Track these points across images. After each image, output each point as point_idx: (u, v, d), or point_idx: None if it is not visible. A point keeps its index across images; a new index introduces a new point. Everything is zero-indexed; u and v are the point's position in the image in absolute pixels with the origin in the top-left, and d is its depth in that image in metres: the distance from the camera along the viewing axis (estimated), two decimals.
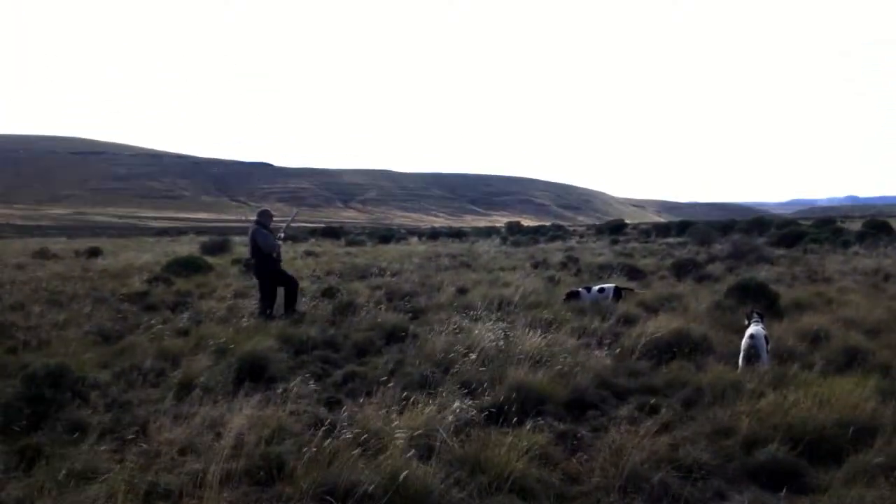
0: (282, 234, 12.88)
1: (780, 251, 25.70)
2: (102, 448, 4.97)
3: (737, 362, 7.85)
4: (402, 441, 4.86)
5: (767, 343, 7.94)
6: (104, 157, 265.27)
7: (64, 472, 4.18)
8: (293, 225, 15.74)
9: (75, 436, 5.45)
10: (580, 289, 13.10)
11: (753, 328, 8.03)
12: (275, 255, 12.18)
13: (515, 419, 5.90)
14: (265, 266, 12.12)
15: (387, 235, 53.48)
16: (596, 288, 12.89)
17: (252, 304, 12.78)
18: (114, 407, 6.44)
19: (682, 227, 49.95)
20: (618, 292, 12.73)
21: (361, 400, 6.54)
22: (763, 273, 17.14)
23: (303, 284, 14.69)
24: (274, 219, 12.85)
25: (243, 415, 5.74)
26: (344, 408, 6.56)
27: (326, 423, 5.80)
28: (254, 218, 12.62)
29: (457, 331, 9.29)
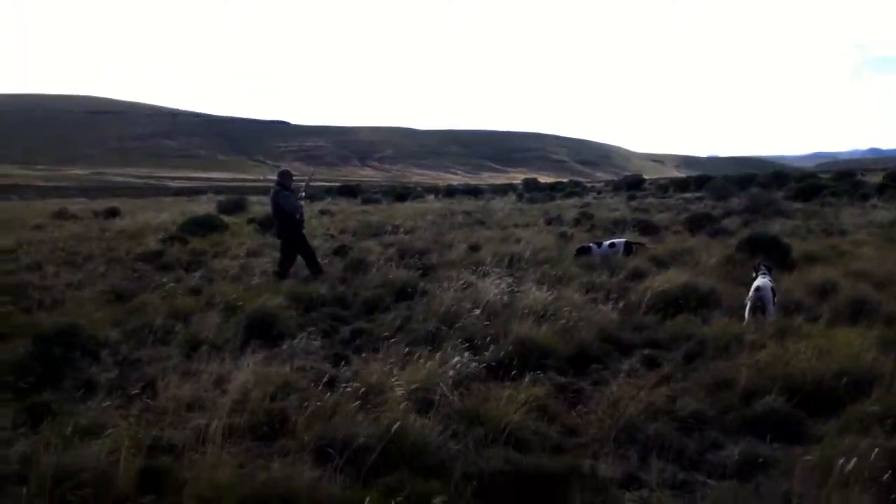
0: (302, 194, 12.73)
1: (798, 205, 25.42)
2: (107, 405, 5.08)
3: (743, 315, 7.84)
4: (401, 395, 4.93)
5: (774, 296, 7.91)
6: (121, 116, 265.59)
7: (70, 427, 4.29)
8: (312, 184, 15.60)
9: (84, 393, 5.60)
10: (591, 244, 13.05)
11: (760, 281, 7.99)
12: (297, 216, 12.08)
13: (517, 373, 5.96)
14: (287, 228, 12.03)
15: (403, 194, 53.45)
16: (607, 243, 12.84)
17: (265, 262, 12.90)
18: (123, 365, 6.58)
19: (701, 182, 49.30)
20: (628, 247, 12.68)
21: (366, 356, 6.62)
22: (778, 227, 16.97)
23: (316, 243, 14.78)
24: (294, 178, 12.70)
25: (249, 371, 5.85)
26: (347, 364, 6.66)
27: (329, 379, 5.93)
28: (274, 178, 12.52)
29: (464, 287, 9.33)
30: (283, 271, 11.69)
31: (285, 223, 12.00)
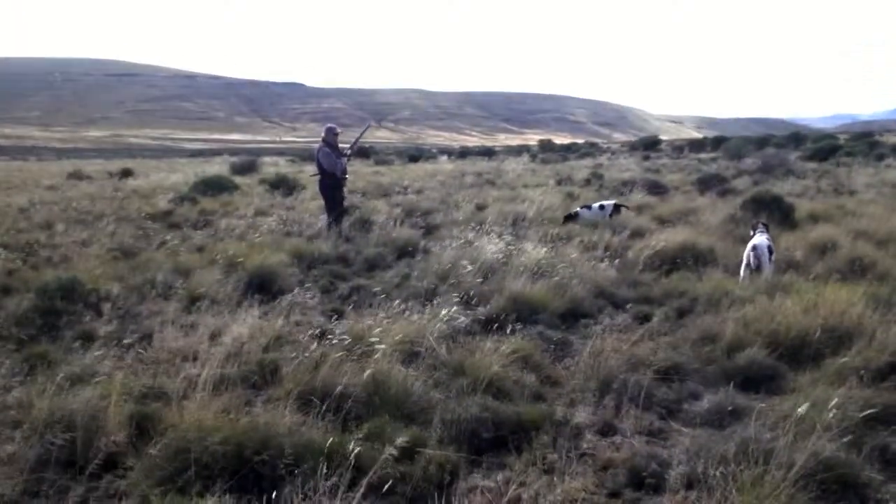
0: (348, 152, 12.50)
1: (812, 165, 25.14)
2: (98, 354, 5.24)
3: (739, 272, 7.86)
4: (386, 347, 5.03)
5: (772, 254, 7.91)
6: (139, 78, 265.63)
7: (62, 374, 4.44)
8: (363, 141, 15.30)
9: (82, 344, 5.76)
10: (579, 209, 12.95)
11: (757, 238, 7.99)
12: (339, 174, 12.02)
13: (509, 329, 6.05)
14: (328, 184, 12.03)
15: (415, 155, 53.30)
16: (596, 205, 12.79)
17: (271, 221, 13.01)
18: (124, 318, 6.73)
19: (717, 143, 48.83)
20: (617, 209, 12.62)
21: (360, 311, 6.74)
22: (788, 187, 16.85)
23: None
24: (339, 135, 12.42)
25: (246, 324, 6.00)
26: (342, 318, 6.78)
27: (322, 332, 6.06)
28: (322, 135, 12.32)
29: (465, 245, 9.40)
30: (332, 225, 11.73)
31: (325, 181, 11.99)
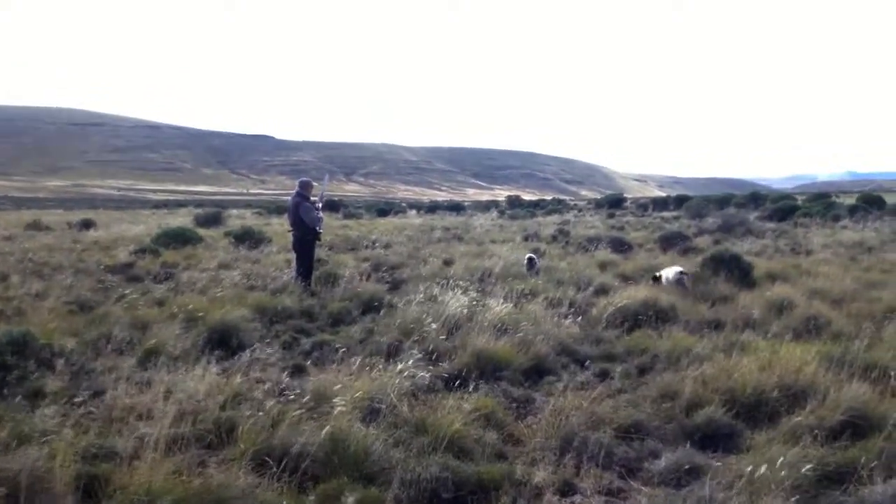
0: (319, 206, 12.38)
1: (771, 225, 25.77)
2: (47, 411, 5.08)
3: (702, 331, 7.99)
4: (347, 404, 4.97)
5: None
6: (103, 128, 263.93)
7: (6, 432, 4.29)
8: (327, 193, 15.22)
9: (32, 401, 5.58)
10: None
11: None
12: (318, 228, 12.00)
13: (472, 385, 6.03)
14: (306, 240, 11.96)
15: (385, 209, 53.63)
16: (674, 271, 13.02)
17: (234, 275, 12.88)
18: (77, 374, 6.56)
19: (680, 202, 49.90)
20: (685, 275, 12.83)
21: (322, 367, 6.67)
22: (748, 245, 17.24)
23: (289, 256, 14.76)
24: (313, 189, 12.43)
25: (203, 381, 5.88)
26: (304, 375, 6.70)
27: (282, 389, 5.97)
28: (296, 189, 12.30)
29: (430, 300, 9.40)
30: (308, 284, 11.62)
31: (305, 236, 11.92)
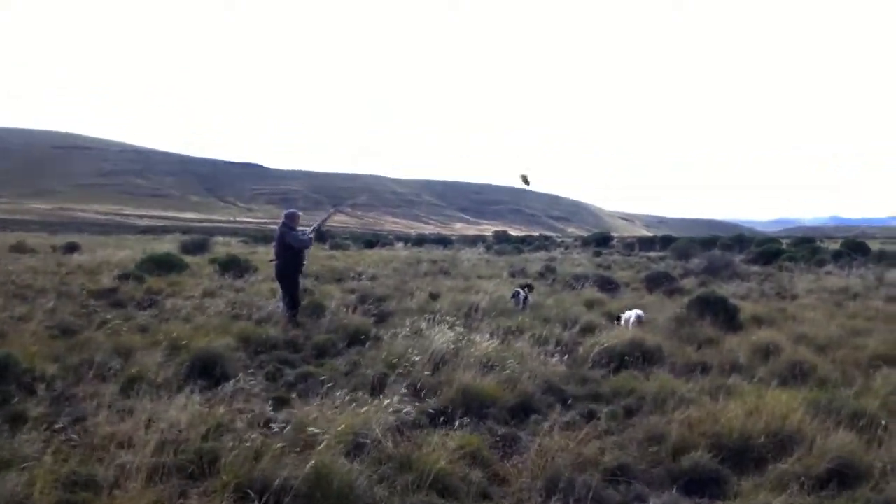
0: (311, 233, 12.41)
1: (756, 268, 25.98)
2: (27, 437, 4.98)
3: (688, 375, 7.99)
4: (331, 438, 4.91)
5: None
6: (90, 152, 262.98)
7: None
8: (329, 224, 15.25)
9: (11, 426, 5.48)
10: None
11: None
12: (305, 251, 12.00)
13: (458, 422, 5.99)
14: (289, 268, 11.90)
15: (371, 240, 53.55)
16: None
17: (219, 303, 12.79)
18: (59, 400, 6.46)
19: (666, 242, 50.29)
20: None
21: (306, 400, 6.60)
22: (733, 288, 17.34)
23: (274, 285, 14.67)
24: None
25: (186, 410, 5.79)
26: (287, 407, 6.62)
27: (265, 421, 5.89)
28: (282, 220, 12.25)
29: (416, 334, 9.36)
30: (294, 315, 11.52)
31: (286, 263, 11.86)
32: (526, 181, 12.34)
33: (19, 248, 28.13)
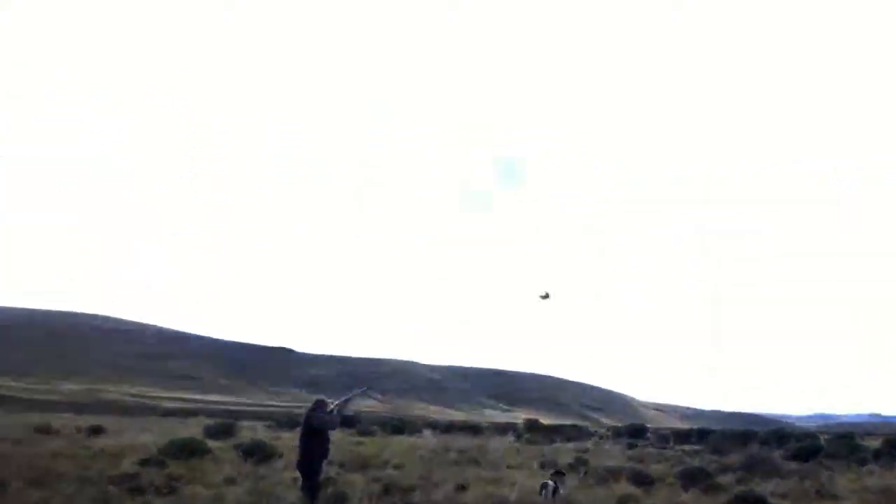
0: (335, 411, 12.30)
1: (795, 465, 24.82)
2: None
3: None
4: None
5: None
6: (128, 335, 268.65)
7: None
8: (356, 400, 15.19)
9: None
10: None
11: None
12: (328, 433, 11.89)
13: None
14: (314, 454, 11.72)
15: (399, 426, 52.54)
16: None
17: (239, 491, 12.52)
18: None
19: (702, 436, 48.73)
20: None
21: None
22: (772, 486, 16.50)
23: (296, 474, 14.37)
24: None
25: None
26: None
27: None
28: (310, 406, 12.25)
29: None
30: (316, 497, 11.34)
31: (315, 448, 11.67)
32: (546, 296, 12.37)
33: (44, 430, 28.09)
